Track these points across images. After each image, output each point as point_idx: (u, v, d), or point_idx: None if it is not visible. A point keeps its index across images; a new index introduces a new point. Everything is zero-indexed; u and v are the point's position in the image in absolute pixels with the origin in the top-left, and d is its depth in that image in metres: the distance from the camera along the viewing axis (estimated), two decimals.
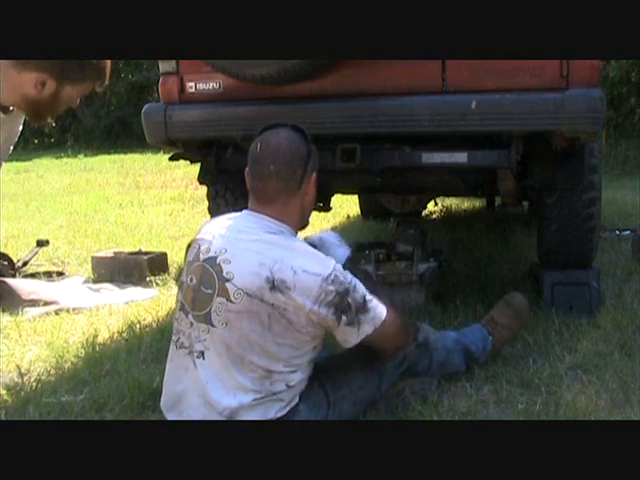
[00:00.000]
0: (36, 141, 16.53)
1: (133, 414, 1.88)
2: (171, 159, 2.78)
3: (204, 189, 3.04)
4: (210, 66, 2.30)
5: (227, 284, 1.56)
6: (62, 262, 3.90)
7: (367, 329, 1.62)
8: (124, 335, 2.56)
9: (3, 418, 1.92)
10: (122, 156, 11.22)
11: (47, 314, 2.88)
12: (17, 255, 3.72)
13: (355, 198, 4.88)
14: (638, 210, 4.60)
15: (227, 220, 1.70)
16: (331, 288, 1.55)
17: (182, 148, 2.69)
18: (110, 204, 6.25)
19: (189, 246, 1.73)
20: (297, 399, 1.63)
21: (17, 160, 11.37)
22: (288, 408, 1.61)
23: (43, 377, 2.22)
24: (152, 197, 6.53)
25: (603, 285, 2.74)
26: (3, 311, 2.92)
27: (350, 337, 1.63)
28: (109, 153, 12.12)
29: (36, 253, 3.73)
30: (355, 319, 1.59)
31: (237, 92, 2.42)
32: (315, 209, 3.48)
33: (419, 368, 1.94)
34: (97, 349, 2.42)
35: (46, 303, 2.97)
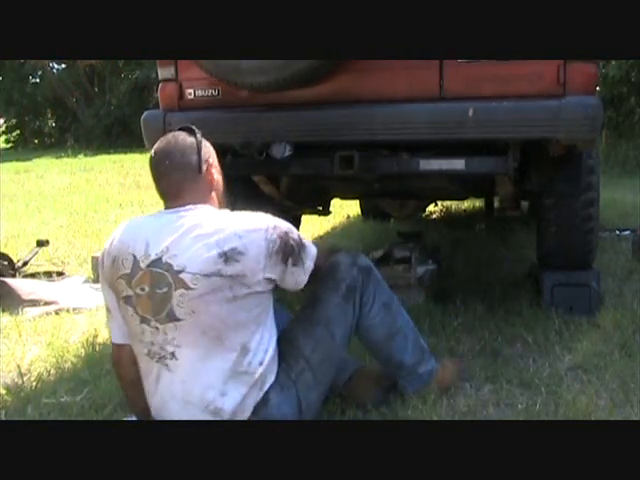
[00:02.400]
0: (36, 141, 16.56)
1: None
2: None
3: None
4: (209, 74, 2.30)
5: (182, 275, 1.54)
6: (62, 262, 3.90)
7: (309, 264, 1.69)
8: None
9: (3, 418, 1.92)
10: (122, 156, 11.23)
11: (47, 314, 2.88)
12: (17, 255, 3.72)
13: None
14: (638, 210, 4.61)
15: (147, 224, 1.67)
16: (274, 236, 1.59)
17: None
18: (110, 204, 6.26)
19: (101, 260, 1.68)
20: (267, 385, 1.64)
21: (17, 160, 11.39)
22: (261, 394, 1.62)
23: (43, 377, 2.22)
24: (152, 197, 6.51)
25: (603, 285, 2.74)
26: (3, 311, 2.92)
27: (299, 277, 1.68)
28: (109, 153, 12.13)
29: (36, 253, 3.73)
30: (299, 258, 1.65)
31: (236, 99, 2.43)
32: (315, 213, 3.52)
33: (365, 298, 1.84)
34: (97, 349, 2.43)
35: (46, 303, 2.97)
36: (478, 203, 4.96)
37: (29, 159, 11.55)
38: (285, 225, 1.65)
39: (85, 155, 11.97)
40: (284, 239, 1.62)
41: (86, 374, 2.19)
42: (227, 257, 1.54)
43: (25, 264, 3.58)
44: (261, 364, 1.62)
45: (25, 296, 3.02)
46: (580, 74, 2.14)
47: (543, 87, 2.16)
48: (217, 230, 1.56)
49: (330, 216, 4.05)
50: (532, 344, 2.35)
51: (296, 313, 1.92)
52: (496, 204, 3.68)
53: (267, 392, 1.63)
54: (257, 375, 1.61)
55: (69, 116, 16.33)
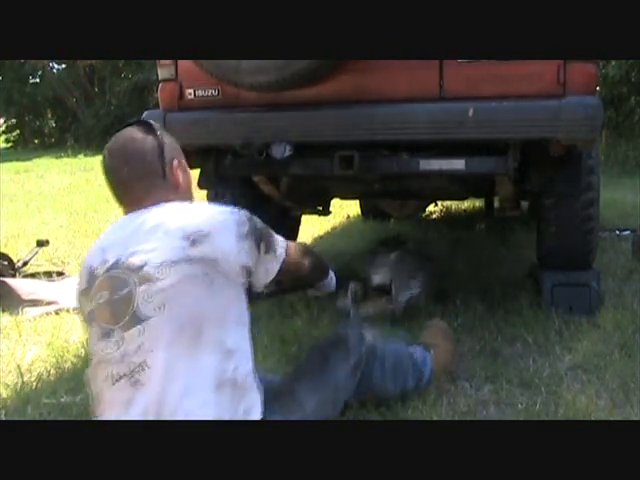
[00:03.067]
0: (36, 141, 16.56)
1: None
2: None
3: (204, 189, 3.04)
4: (209, 74, 2.30)
5: (144, 269, 1.36)
6: (62, 262, 3.90)
7: (281, 252, 1.58)
8: None
9: (3, 418, 1.92)
10: None
11: (47, 314, 2.88)
12: (17, 255, 3.72)
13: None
14: (638, 210, 4.61)
15: (109, 232, 1.54)
16: (243, 218, 1.48)
17: None
18: (110, 204, 6.22)
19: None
20: (254, 411, 1.44)
21: (17, 160, 11.39)
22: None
23: (43, 377, 2.22)
24: None
25: (603, 285, 2.74)
26: (3, 311, 2.92)
27: (271, 264, 1.54)
28: None
29: (36, 253, 3.73)
30: (269, 244, 1.54)
31: (236, 99, 2.43)
32: (315, 213, 3.52)
33: (374, 377, 1.81)
34: None
35: (46, 303, 2.97)
36: (478, 203, 4.96)
37: (29, 159, 11.55)
38: (246, 211, 1.53)
39: (85, 155, 11.96)
40: (252, 222, 1.50)
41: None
42: (192, 240, 1.38)
43: (25, 264, 3.58)
44: (247, 376, 1.43)
45: (25, 296, 3.02)
46: (580, 74, 2.15)
47: (543, 87, 2.16)
48: (179, 219, 1.43)
49: (330, 216, 4.05)
50: (532, 344, 2.35)
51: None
52: (496, 204, 3.68)
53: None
54: (245, 387, 1.42)
55: (69, 116, 16.33)
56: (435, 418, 1.83)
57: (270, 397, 1.51)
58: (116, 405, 1.36)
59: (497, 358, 2.27)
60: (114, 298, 1.38)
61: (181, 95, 2.54)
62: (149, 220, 1.44)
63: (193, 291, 1.37)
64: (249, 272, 1.48)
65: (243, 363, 1.43)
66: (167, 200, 1.50)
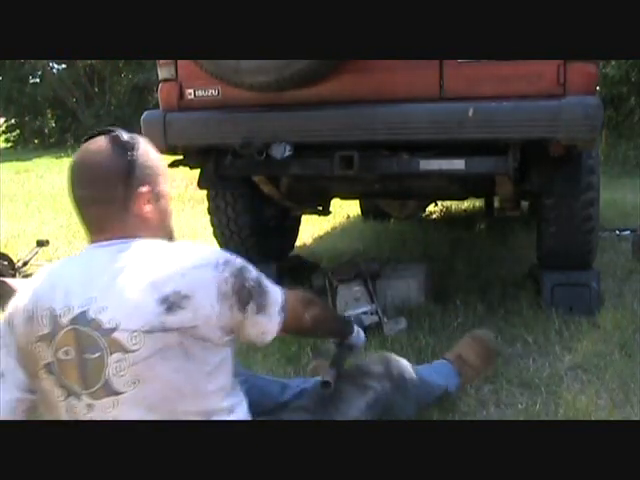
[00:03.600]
0: (36, 141, 16.55)
1: None
2: (170, 166, 2.78)
3: (204, 189, 3.04)
4: (209, 74, 2.30)
5: (115, 334, 1.20)
6: None
7: (277, 311, 1.36)
8: None
9: None
10: None
11: None
12: (17, 255, 3.72)
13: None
14: (638, 210, 4.61)
15: (68, 267, 1.32)
16: (226, 274, 1.26)
17: (182, 154, 2.70)
18: None
19: (9, 318, 1.35)
20: None
21: (17, 160, 11.38)
22: None
23: None
24: None
25: (603, 285, 2.74)
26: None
27: (266, 326, 1.35)
28: None
29: (36, 253, 3.73)
30: (261, 304, 1.32)
31: (236, 99, 2.43)
32: (315, 213, 3.53)
33: (395, 409, 1.69)
34: None
35: None
36: (478, 203, 4.97)
37: (29, 159, 11.54)
38: (239, 261, 1.31)
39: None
40: (239, 278, 1.28)
41: None
42: (170, 303, 1.20)
43: (25, 264, 3.58)
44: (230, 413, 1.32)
45: None
46: (580, 74, 2.15)
47: (543, 87, 2.16)
48: (154, 269, 1.23)
49: (330, 216, 4.05)
50: (532, 344, 2.35)
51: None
52: (496, 204, 3.68)
53: None
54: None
55: (69, 116, 16.31)
56: (435, 418, 1.83)
57: None
58: None
59: (497, 358, 2.27)
60: (83, 359, 1.22)
61: (181, 95, 2.54)
62: (117, 263, 1.24)
63: (167, 366, 1.22)
64: (232, 334, 1.30)
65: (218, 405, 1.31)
66: (133, 233, 1.30)
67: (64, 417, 1.27)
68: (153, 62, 3.04)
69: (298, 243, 3.81)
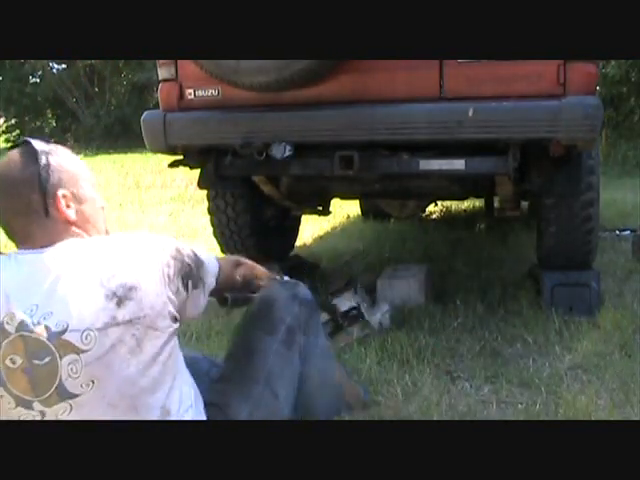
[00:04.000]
0: None
1: None
2: (170, 166, 2.79)
3: (204, 189, 3.04)
4: (209, 74, 2.30)
5: (65, 336, 1.17)
6: None
7: (211, 281, 1.41)
8: None
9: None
10: (122, 156, 11.22)
11: None
12: None
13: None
14: (638, 210, 4.61)
15: (3, 273, 1.25)
16: (167, 258, 1.28)
17: (182, 154, 2.70)
18: (110, 204, 6.24)
19: None
20: None
21: None
22: None
23: None
24: (152, 197, 6.53)
25: (603, 285, 2.74)
26: None
27: (199, 300, 1.38)
28: (109, 153, 12.13)
29: None
30: (198, 279, 1.35)
31: (236, 99, 2.43)
32: (315, 213, 3.53)
33: (309, 339, 1.61)
34: None
35: None
36: (478, 203, 4.97)
37: None
38: (173, 242, 1.34)
39: (85, 155, 11.94)
40: (178, 259, 1.30)
41: None
42: (119, 298, 1.19)
43: None
44: (183, 417, 1.32)
45: None
46: (580, 74, 2.15)
47: (543, 87, 2.16)
48: (96, 265, 1.22)
49: (330, 216, 4.05)
50: (532, 344, 2.35)
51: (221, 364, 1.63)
52: (496, 204, 3.68)
53: None
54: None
55: (69, 116, 16.32)
56: (435, 418, 1.83)
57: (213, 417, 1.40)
58: None
59: (497, 358, 2.27)
60: (33, 365, 1.18)
61: (181, 95, 2.54)
62: (56, 269, 1.21)
63: (123, 360, 1.21)
64: (179, 316, 1.31)
65: (181, 410, 1.32)
66: (57, 240, 1.27)
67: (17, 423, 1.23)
68: (153, 62, 3.04)
69: (298, 243, 3.82)
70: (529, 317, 2.57)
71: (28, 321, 1.19)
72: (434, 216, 5.10)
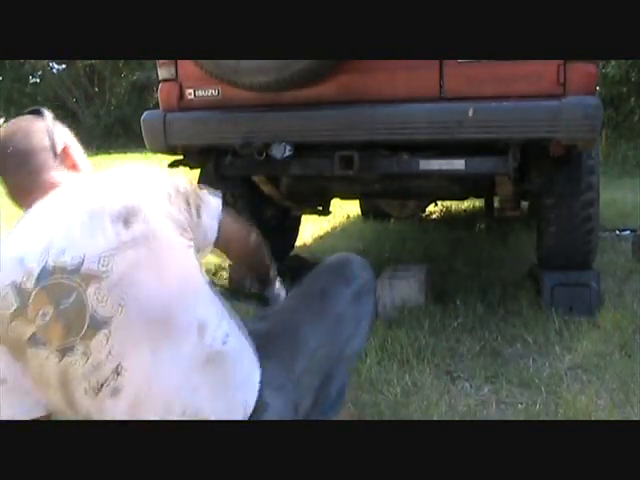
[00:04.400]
0: None
1: None
2: (170, 166, 2.79)
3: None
4: (209, 74, 2.30)
5: (83, 269, 1.19)
6: None
7: (216, 213, 1.41)
8: None
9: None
10: (122, 156, 11.22)
11: None
12: None
13: None
14: (638, 210, 4.61)
15: (10, 240, 1.26)
16: (168, 183, 1.32)
17: (182, 154, 2.70)
18: None
19: None
20: (258, 378, 1.33)
21: None
22: (247, 393, 1.32)
23: None
24: None
25: (603, 285, 2.74)
26: None
27: (208, 230, 1.38)
28: (109, 153, 12.12)
29: None
30: (201, 206, 1.36)
31: (236, 99, 2.43)
32: (315, 213, 3.53)
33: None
34: None
35: None
36: (478, 203, 4.97)
37: None
38: (171, 177, 1.36)
39: (85, 155, 11.94)
40: (179, 186, 1.33)
41: None
42: (124, 221, 1.21)
43: None
44: (225, 343, 1.29)
45: None
46: (580, 74, 2.15)
47: (543, 87, 2.16)
48: (99, 197, 1.25)
49: (330, 216, 4.05)
50: (532, 344, 2.35)
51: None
52: (496, 204, 3.69)
53: (260, 393, 1.33)
54: (231, 355, 1.30)
55: (69, 116, 16.33)
56: (435, 418, 1.83)
57: (264, 342, 1.39)
58: (102, 414, 1.23)
59: (497, 358, 2.27)
60: (61, 310, 1.18)
61: (181, 95, 2.54)
62: (60, 206, 1.25)
63: (145, 277, 1.21)
64: (187, 232, 1.31)
65: (219, 331, 1.29)
66: (64, 184, 1.32)
67: (64, 387, 1.21)
68: (153, 62, 3.04)
69: (298, 243, 3.82)
70: (529, 317, 2.57)
71: (44, 269, 1.19)
72: (434, 216, 5.10)
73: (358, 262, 1.63)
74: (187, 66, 2.49)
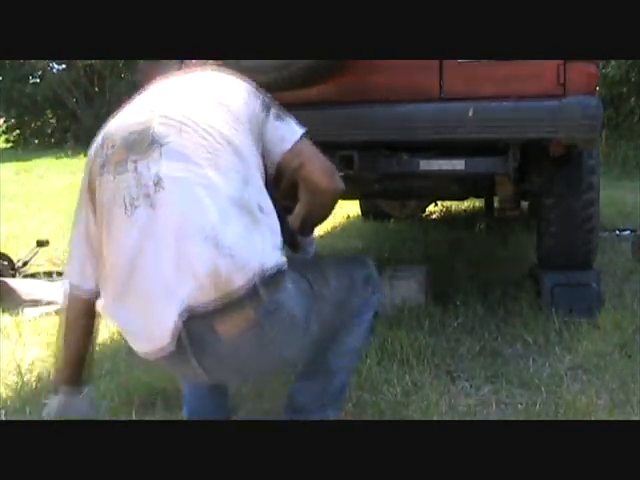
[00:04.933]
0: (36, 141, 16.53)
1: (134, 414, 1.89)
2: None
3: None
4: None
5: (164, 109, 1.46)
6: (62, 262, 3.89)
7: (295, 128, 1.60)
8: None
9: (3, 418, 1.92)
10: None
11: (47, 314, 2.88)
12: (17, 255, 3.71)
13: None
14: (638, 210, 4.61)
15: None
16: (254, 89, 1.60)
17: None
18: None
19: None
20: (284, 262, 1.38)
21: (17, 160, 11.37)
22: (276, 260, 1.36)
23: (43, 377, 2.22)
24: None
25: (603, 285, 2.74)
26: (3, 311, 2.92)
27: (286, 134, 1.57)
28: None
29: (36, 253, 3.73)
30: (280, 114, 1.59)
31: None
32: None
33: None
34: (97, 349, 2.42)
35: (46, 303, 2.97)
36: (478, 203, 4.97)
37: (29, 159, 11.53)
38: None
39: (85, 155, 11.87)
40: (266, 95, 1.61)
41: (86, 374, 2.18)
42: (212, 94, 1.52)
43: (25, 264, 3.57)
44: (262, 211, 1.39)
45: (25, 296, 3.02)
46: (580, 74, 2.15)
47: (543, 87, 2.16)
48: (196, 82, 1.59)
49: (330, 216, 4.04)
50: (532, 344, 2.35)
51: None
52: (496, 204, 3.68)
53: (283, 272, 1.37)
54: (261, 219, 1.38)
55: (69, 116, 16.32)
56: (435, 418, 1.83)
57: (300, 266, 1.51)
58: (133, 231, 1.34)
59: (497, 358, 2.27)
60: (130, 134, 1.40)
61: None
62: (165, 86, 1.56)
63: (213, 114, 1.41)
64: (259, 128, 1.51)
65: (261, 198, 1.41)
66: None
67: (114, 198, 1.37)
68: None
69: None
70: (529, 317, 2.57)
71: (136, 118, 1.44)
72: (434, 216, 5.10)
73: (370, 264, 1.74)
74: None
